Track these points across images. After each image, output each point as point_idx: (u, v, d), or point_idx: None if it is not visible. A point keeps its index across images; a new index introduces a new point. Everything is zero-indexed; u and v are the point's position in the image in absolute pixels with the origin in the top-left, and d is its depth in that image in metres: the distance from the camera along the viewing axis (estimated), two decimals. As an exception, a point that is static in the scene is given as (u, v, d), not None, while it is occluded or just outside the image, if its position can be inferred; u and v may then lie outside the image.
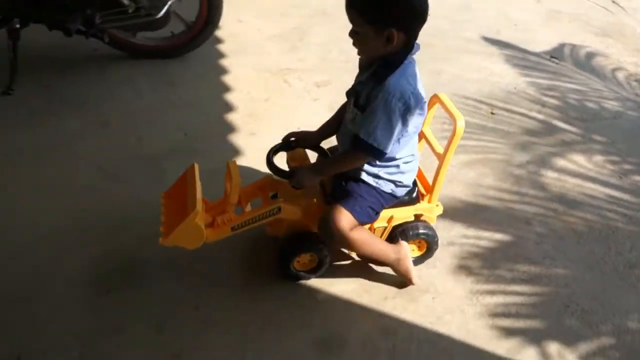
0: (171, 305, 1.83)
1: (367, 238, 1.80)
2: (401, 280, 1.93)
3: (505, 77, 3.34)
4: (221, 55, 3.28)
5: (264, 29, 3.60)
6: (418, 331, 1.81)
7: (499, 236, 2.18)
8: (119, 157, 2.42)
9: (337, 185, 1.80)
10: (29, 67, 2.91)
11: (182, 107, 2.79)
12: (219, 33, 3.37)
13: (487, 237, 2.17)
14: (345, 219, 1.71)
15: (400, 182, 1.78)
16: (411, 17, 1.53)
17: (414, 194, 1.88)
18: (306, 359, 1.72)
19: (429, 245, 1.96)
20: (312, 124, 1.95)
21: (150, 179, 2.29)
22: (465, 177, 2.48)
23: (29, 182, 2.26)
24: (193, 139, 2.57)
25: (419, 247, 1.97)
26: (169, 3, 2.84)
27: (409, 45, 1.58)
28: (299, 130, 1.97)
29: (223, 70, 3.13)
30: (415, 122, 1.66)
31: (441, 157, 1.83)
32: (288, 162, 1.92)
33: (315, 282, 1.92)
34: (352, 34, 1.57)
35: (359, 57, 1.70)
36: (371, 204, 1.76)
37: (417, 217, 1.92)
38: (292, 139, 1.91)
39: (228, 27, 3.49)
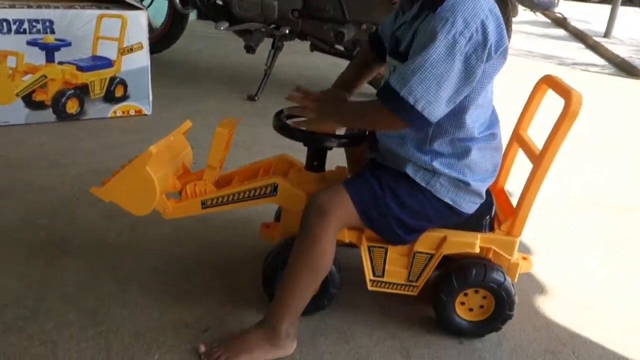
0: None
1: (324, 264, 1.11)
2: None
3: None
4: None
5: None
6: None
7: None
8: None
9: (363, 170, 1.18)
10: (273, 85, 2.93)
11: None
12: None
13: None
14: (341, 211, 1.08)
15: (467, 183, 1.11)
16: None
17: (487, 217, 1.20)
18: None
19: (498, 306, 1.22)
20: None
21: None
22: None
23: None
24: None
25: (481, 305, 1.24)
26: None
27: None
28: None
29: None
30: (490, 72, 1.06)
31: (538, 160, 1.15)
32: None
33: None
34: None
35: None
36: (409, 217, 1.12)
37: (484, 254, 1.23)
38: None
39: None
